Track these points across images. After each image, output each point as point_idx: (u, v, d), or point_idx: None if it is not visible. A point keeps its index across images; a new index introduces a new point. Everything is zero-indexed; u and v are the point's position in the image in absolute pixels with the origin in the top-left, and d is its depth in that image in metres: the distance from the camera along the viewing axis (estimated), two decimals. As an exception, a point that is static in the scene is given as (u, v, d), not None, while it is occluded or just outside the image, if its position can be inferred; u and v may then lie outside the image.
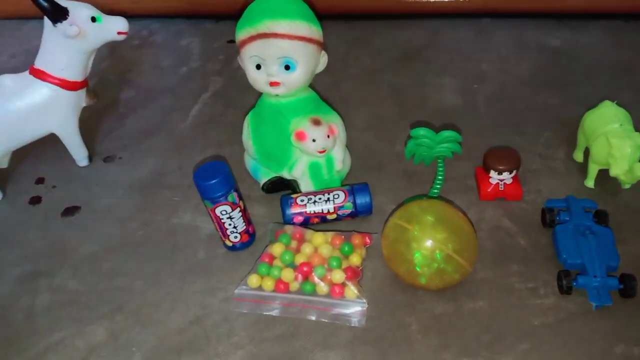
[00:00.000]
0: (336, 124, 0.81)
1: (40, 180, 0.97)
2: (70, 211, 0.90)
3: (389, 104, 1.11)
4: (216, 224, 0.75)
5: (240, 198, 0.75)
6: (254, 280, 0.71)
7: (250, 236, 0.78)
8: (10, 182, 0.97)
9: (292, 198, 0.80)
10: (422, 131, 0.75)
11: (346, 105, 1.08)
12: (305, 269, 0.70)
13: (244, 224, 0.76)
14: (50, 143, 0.95)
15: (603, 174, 0.83)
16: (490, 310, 0.68)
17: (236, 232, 0.75)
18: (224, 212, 0.73)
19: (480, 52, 1.26)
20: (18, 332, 0.71)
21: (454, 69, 1.20)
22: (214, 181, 0.70)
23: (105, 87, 1.23)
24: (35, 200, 0.93)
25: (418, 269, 0.66)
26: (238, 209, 0.74)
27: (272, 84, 0.77)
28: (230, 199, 0.72)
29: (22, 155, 0.99)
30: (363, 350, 0.65)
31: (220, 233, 0.76)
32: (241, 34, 0.76)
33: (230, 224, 0.74)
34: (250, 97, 0.92)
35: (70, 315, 0.73)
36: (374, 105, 1.10)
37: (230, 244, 0.77)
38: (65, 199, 0.92)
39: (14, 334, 0.71)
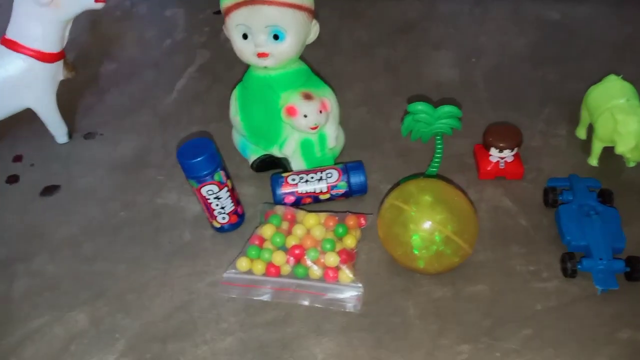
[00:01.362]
0: (329, 98, 0.77)
1: (17, 159, 0.92)
2: (49, 191, 0.85)
3: (384, 78, 1.06)
4: (203, 204, 0.71)
5: (228, 177, 0.71)
6: (243, 263, 0.67)
7: (239, 217, 0.74)
8: (-15, 160, 0.92)
9: (283, 177, 0.76)
10: (420, 106, 0.71)
11: (339, 80, 1.03)
12: (297, 251, 0.66)
13: (232, 204, 0.72)
14: (27, 119, 0.90)
15: (606, 152, 0.80)
16: (491, 294, 0.65)
17: (224, 213, 0.71)
18: (210, 192, 0.69)
19: (478, 24, 1.21)
20: (-7, 319, 0.67)
21: (450, 43, 1.16)
22: (199, 159, 0.66)
23: (86, 61, 1.17)
24: (13, 180, 0.88)
25: (416, 252, 0.62)
26: (225, 188, 0.70)
27: (260, 55, 0.72)
28: (216, 177, 0.68)
29: (-3, 132, 0.94)
30: (358, 337, 0.62)
31: (207, 214, 0.72)
32: (226, 1, 0.71)
33: (217, 205, 0.70)
34: (238, 71, 0.87)
35: (49, 301, 0.69)
36: (367, 80, 1.06)
37: (218, 226, 0.73)
38: (43, 178, 0.88)
39: (-11, 321, 0.67)
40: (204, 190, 0.68)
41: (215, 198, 0.69)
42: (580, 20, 1.20)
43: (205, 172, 0.67)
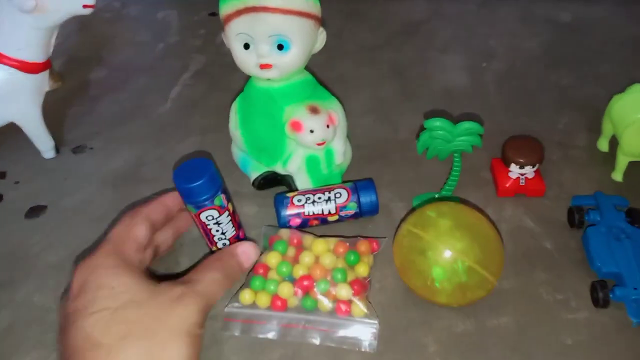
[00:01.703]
0: (336, 111, 0.71)
1: (0, 176, 0.86)
2: (35, 211, 0.79)
3: (390, 84, 1.01)
4: (201, 230, 0.65)
5: (229, 200, 0.65)
6: (246, 296, 0.61)
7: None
8: (-35, 177, 0.86)
9: (288, 197, 0.70)
10: (438, 122, 0.66)
11: (342, 86, 0.97)
12: (305, 282, 0.61)
13: (233, 229, 0.66)
14: (10, 133, 0.84)
15: (631, 165, 0.75)
16: (517, 327, 0.60)
17: (225, 239, 0.66)
18: (210, 218, 0.63)
19: (486, 26, 1.16)
20: (-26, 358, 0.62)
21: (459, 45, 1.10)
22: (197, 183, 0.60)
23: (73, 67, 1.10)
24: (-5, 199, 0.82)
25: (437, 285, 0.57)
26: (226, 212, 0.64)
27: (263, 66, 0.66)
28: (217, 202, 0.62)
29: (-22, 147, 0.87)
30: (375, 379, 0.56)
31: (207, 240, 0.67)
32: (226, 8, 0.65)
33: (217, 230, 0.65)
34: (236, 77, 0.81)
35: (37, 336, 0.63)
36: (373, 86, 1.00)
37: (218, 252, 0.68)
38: (29, 196, 0.82)
39: (-32, 361, 0.61)
40: (203, 216, 0.62)
41: (215, 224, 0.64)
42: (592, 21, 1.15)
43: (204, 197, 0.61)
